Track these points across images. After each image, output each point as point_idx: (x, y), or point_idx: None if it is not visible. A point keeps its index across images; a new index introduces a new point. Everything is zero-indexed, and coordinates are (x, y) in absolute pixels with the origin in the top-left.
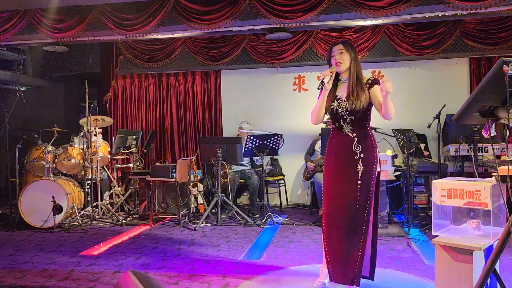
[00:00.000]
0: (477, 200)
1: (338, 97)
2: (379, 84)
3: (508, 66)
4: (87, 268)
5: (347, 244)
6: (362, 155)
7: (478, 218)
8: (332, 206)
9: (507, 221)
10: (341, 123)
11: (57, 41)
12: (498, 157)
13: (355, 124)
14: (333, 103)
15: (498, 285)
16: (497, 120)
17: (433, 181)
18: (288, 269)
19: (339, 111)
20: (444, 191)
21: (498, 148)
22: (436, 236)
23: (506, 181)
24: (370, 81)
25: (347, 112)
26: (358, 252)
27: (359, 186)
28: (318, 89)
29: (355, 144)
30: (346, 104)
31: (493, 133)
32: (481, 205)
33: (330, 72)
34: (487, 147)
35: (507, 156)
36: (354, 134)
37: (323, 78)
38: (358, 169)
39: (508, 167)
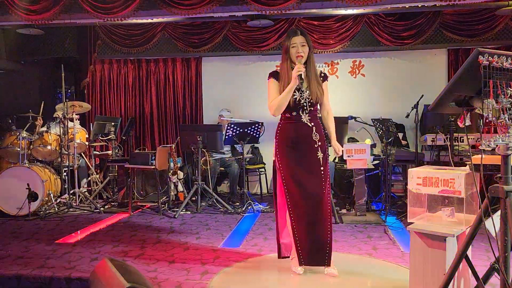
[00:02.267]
0: (452, 188)
1: (298, 87)
2: (327, 80)
3: (483, 57)
4: (63, 256)
5: (318, 229)
6: (320, 143)
7: (452, 206)
8: (299, 195)
9: (479, 208)
10: (299, 112)
11: (31, 24)
12: (473, 147)
13: (311, 114)
14: (295, 93)
15: (469, 270)
16: (472, 110)
17: (409, 169)
18: (267, 256)
19: (301, 102)
20: (420, 179)
21: (473, 138)
22: (411, 223)
23: (480, 170)
24: (323, 75)
25: (309, 103)
26: (327, 234)
27: (322, 173)
28: (301, 85)
29: (314, 132)
30: (309, 95)
31: (467, 122)
32: (455, 193)
33: (303, 66)
34: (463, 137)
35: (481, 145)
36: (312, 124)
37: (301, 73)
38: (319, 157)
39: (482, 156)
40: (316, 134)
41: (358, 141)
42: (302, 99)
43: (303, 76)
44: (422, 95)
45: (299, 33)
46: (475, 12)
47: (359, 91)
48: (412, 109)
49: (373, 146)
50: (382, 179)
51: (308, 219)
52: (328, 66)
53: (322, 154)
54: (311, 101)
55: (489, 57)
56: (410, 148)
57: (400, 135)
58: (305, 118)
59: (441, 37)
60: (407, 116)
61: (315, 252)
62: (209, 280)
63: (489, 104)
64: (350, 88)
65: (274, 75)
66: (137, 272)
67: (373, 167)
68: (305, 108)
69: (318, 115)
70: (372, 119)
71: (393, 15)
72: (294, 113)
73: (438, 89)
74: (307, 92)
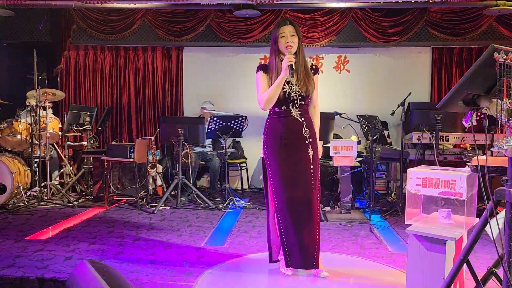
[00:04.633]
0: (452, 189)
1: (288, 80)
2: (318, 73)
3: (499, 54)
4: (34, 254)
5: (307, 229)
6: (310, 140)
7: (448, 207)
8: (288, 194)
9: (477, 212)
10: (289, 107)
11: (1, 4)
12: (455, 146)
13: (302, 109)
14: (284, 86)
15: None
16: (479, 109)
17: (409, 169)
18: (253, 256)
19: (292, 95)
20: (420, 179)
21: (459, 138)
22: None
23: (485, 172)
24: (314, 67)
25: (300, 97)
26: (316, 236)
27: (312, 171)
28: (292, 77)
29: (304, 128)
30: (299, 88)
31: (474, 122)
32: (456, 195)
33: (294, 57)
34: (448, 136)
35: (494, 146)
36: (303, 119)
37: (292, 64)
38: (309, 154)
39: (486, 158)
40: (306, 130)
41: (342, 138)
42: (292, 92)
43: (293, 67)
44: (410, 93)
45: (289, 22)
46: (461, 11)
47: (343, 87)
48: (399, 107)
49: (358, 143)
50: (365, 176)
51: (296, 220)
52: (313, 61)
53: (312, 152)
54: (302, 94)
55: (505, 55)
56: (393, 146)
57: (386, 132)
58: (295, 113)
59: (426, 35)
60: (392, 113)
61: (303, 255)
62: (194, 282)
63: (504, 104)
64: (334, 84)
65: (263, 68)
66: (119, 275)
67: (359, 164)
68: (295, 102)
69: (309, 110)
70: (357, 116)
71: (380, 11)
72: (283, 108)
73: (422, 87)
74: (297, 85)
